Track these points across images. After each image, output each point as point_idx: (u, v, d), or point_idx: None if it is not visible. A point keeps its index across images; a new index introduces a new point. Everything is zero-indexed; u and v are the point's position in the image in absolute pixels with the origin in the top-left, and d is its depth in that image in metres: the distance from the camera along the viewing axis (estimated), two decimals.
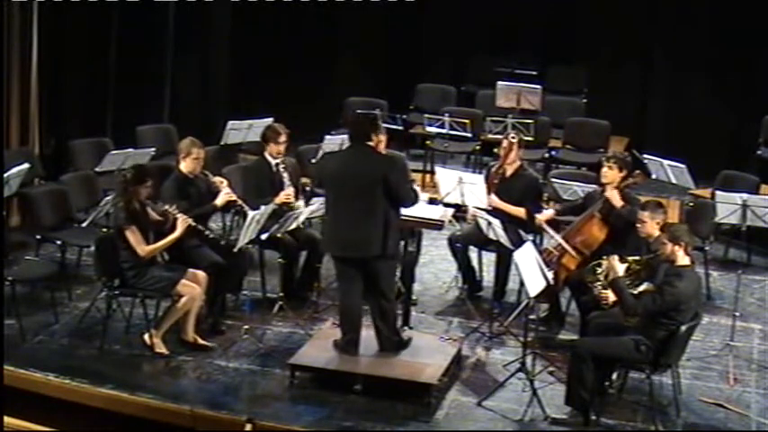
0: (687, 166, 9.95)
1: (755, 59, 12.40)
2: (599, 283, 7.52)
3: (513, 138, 8.91)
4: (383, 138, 8.94)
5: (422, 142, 12.25)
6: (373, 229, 7.38)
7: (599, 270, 7.54)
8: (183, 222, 7.97)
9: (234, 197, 8.49)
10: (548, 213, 8.66)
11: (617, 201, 8.21)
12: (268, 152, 8.89)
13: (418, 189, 8.01)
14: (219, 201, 8.43)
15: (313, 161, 10.23)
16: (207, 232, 8.17)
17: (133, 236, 7.78)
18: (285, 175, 8.84)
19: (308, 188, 9.28)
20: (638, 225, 7.71)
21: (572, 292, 8.45)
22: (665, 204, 8.10)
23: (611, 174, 8.34)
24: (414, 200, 7.64)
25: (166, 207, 8.02)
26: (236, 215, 9.42)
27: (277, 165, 8.87)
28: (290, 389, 7.56)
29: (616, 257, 7.33)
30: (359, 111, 11.58)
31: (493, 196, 8.84)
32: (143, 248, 7.82)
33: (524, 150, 9.20)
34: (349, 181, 7.45)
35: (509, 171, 8.97)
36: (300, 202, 8.82)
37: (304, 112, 11.90)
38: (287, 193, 8.75)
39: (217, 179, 8.49)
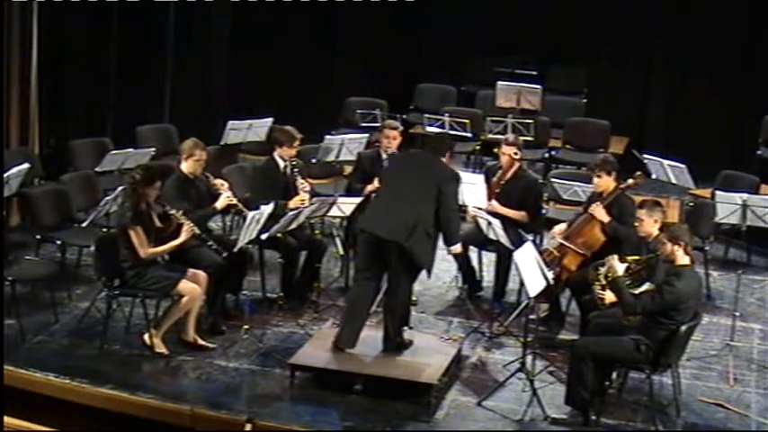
0: (687, 166, 9.95)
1: (755, 59, 12.41)
2: (598, 283, 7.53)
3: (515, 154, 8.89)
4: (397, 135, 9.01)
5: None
6: (407, 216, 7.51)
7: (601, 270, 7.54)
8: (187, 230, 7.95)
9: (234, 200, 8.49)
10: (561, 227, 8.62)
11: (602, 217, 8.22)
12: (278, 154, 8.88)
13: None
14: (220, 204, 8.43)
15: (313, 161, 10.23)
16: (210, 243, 8.13)
17: (137, 237, 7.78)
18: (298, 177, 8.83)
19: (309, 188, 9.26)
20: (636, 224, 7.73)
21: (572, 292, 8.45)
22: (665, 204, 8.10)
23: (602, 182, 8.36)
24: (453, 221, 7.74)
25: (173, 212, 7.99)
26: (236, 215, 9.41)
27: (286, 167, 8.86)
28: (290, 389, 7.56)
29: (616, 257, 7.33)
30: (359, 111, 11.61)
31: (494, 202, 8.84)
32: (145, 250, 7.82)
33: (524, 151, 9.19)
34: (409, 175, 7.76)
35: (508, 174, 8.96)
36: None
37: (304, 112, 11.90)
38: (301, 198, 8.74)
39: (218, 181, 8.47)
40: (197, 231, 8.00)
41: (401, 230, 7.50)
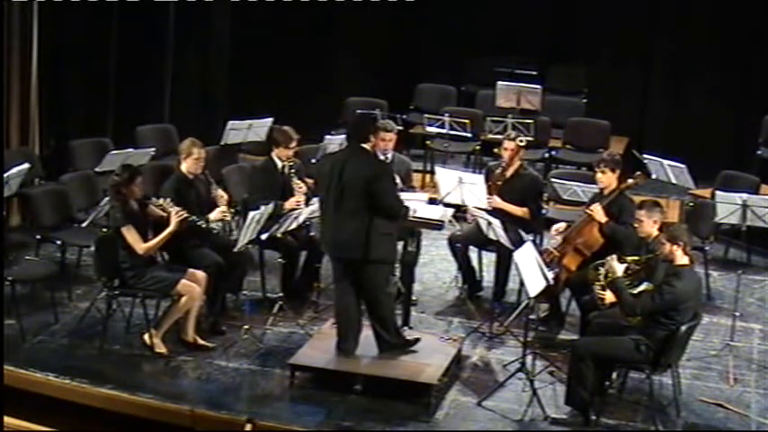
0: (687, 166, 9.95)
1: (755, 59, 12.41)
2: (598, 283, 7.53)
3: (521, 141, 8.88)
4: (393, 136, 8.96)
5: (422, 142, 12.25)
6: (356, 231, 7.35)
7: (601, 270, 7.55)
8: (175, 216, 7.94)
9: (227, 218, 8.45)
10: (560, 225, 8.60)
11: (599, 217, 8.22)
12: (276, 154, 8.89)
13: (418, 192, 8.08)
14: (213, 216, 8.39)
15: (313, 161, 10.24)
16: (200, 223, 8.11)
17: (130, 235, 7.79)
18: (295, 179, 8.82)
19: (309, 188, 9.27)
20: (636, 225, 7.73)
21: (572, 292, 8.45)
22: (665, 204, 8.10)
23: (605, 177, 8.35)
24: (397, 213, 7.49)
25: (161, 201, 8.00)
26: (236, 215, 9.42)
27: (283, 167, 8.87)
28: (290, 389, 7.56)
29: (615, 257, 7.34)
30: (359, 111, 11.62)
31: (496, 198, 8.84)
32: (141, 246, 7.82)
33: (525, 150, 9.19)
34: (338, 182, 7.41)
35: (509, 171, 8.97)
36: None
37: (304, 112, 11.90)
38: (297, 200, 8.73)
39: (219, 193, 8.45)
40: (185, 215, 7.98)
41: (358, 249, 7.36)
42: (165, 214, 8.03)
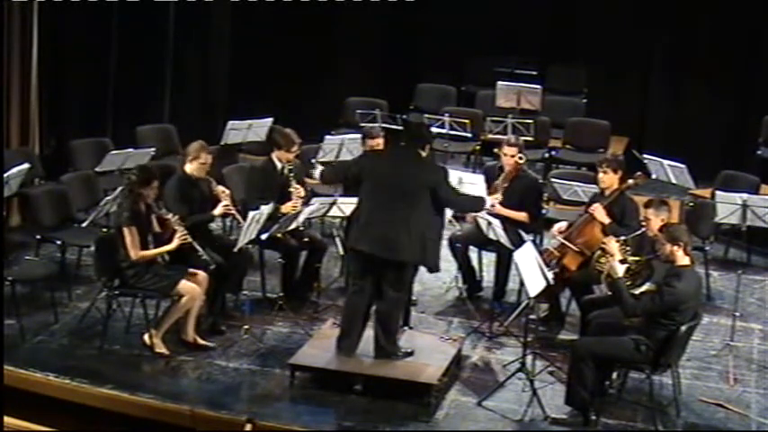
0: (687, 166, 9.95)
1: (755, 59, 12.41)
2: (601, 262, 7.57)
3: (520, 158, 8.83)
4: (380, 141, 8.94)
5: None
6: (408, 234, 7.36)
7: (603, 261, 7.57)
8: (179, 237, 7.90)
9: (232, 210, 8.45)
10: (561, 225, 8.60)
11: (602, 218, 8.22)
12: (276, 156, 8.87)
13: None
14: (217, 211, 8.39)
15: (312, 161, 10.22)
16: (200, 253, 8.00)
17: (130, 236, 7.77)
18: (294, 182, 8.80)
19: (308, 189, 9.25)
20: (643, 224, 7.74)
21: (572, 292, 8.45)
22: None
23: (607, 178, 8.36)
24: (467, 204, 8.01)
25: (168, 217, 7.96)
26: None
27: (282, 168, 8.85)
28: (290, 389, 7.56)
29: (612, 239, 7.37)
30: (359, 110, 11.61)
31: (497, 205, 8.79)
32: (136, 252, 7.79)
33: (525, 151, 9.17)
34: (394, 182, 7.43)
35: (511, 176, 8.94)
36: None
37: (304, 112, 11.89)
38: (294, 204, 8.69)
39: (219, 188, 8.45)
40: (189, 240, 7.95)
41: (407, 251, 7.38)
42: (161, 231, 7.97)
